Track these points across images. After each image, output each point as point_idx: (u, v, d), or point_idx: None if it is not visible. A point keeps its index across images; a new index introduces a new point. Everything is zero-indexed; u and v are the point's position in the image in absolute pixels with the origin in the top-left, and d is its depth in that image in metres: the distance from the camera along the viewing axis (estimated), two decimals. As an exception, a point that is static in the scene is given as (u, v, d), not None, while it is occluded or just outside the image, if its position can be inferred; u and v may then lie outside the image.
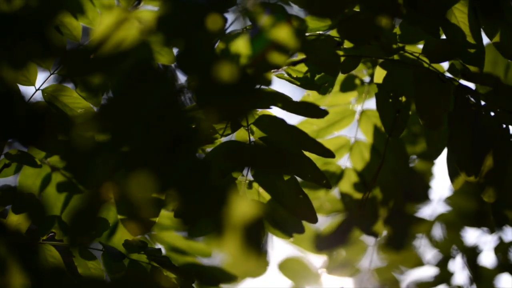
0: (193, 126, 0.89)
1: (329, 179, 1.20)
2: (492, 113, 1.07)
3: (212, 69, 0.88)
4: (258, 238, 0.88)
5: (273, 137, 1.08)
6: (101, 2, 1.02)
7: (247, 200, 0.92)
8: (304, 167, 1.09)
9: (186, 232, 1.26)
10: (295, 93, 1.44)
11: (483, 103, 1.08)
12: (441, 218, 1.69)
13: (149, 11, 1.01)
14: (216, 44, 0.98)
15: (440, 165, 1.61)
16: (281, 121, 1.08)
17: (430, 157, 1.46)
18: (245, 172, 1.11)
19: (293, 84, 1.15)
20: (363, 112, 1.38)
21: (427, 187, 1.54)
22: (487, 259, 1.75)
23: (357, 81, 1.34)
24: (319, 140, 1.13)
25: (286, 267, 1.49)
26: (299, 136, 1.08)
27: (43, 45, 0.84)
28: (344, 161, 1.41)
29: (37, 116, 0.82)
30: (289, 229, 1.18)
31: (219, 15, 0.88)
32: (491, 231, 1.70)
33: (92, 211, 0.97)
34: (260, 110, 1.09)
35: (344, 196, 1.42)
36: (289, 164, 1.10)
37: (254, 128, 1.07)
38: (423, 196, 1.54)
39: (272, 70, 1.07)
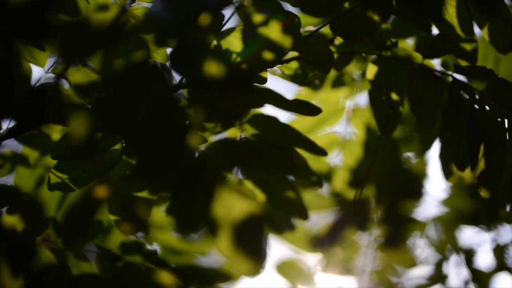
0: (188, 124, 0.89)
1: (320, 177, 1.20)
2: (487, 108, 1.07)
3: (206, 68, 0.87)
4: (255, 236, 0.88)
5: (265, 135, 1.07)
6: (97, 1, 1.02)
7: (241, 197, 0.91)
8: (295, 165, 1.09)
9: (178, 230, 1.26)
10: (286, 88, 1.44)
11: (477, 97, 1.08)
12: (436, 217, 1.70)
13: (145, 8, 1.01)
14: (211, 42, 0.98)
15: (434, 164, 1.62)
16: (274, 119, 1.08)
17: (421, 151, 1.47)
18: (235, 169, 1.10)
19: (283, 79, 1.15)
20: (353, 108, 1.38)
21: (420, 184, 1.54)
22: (484, 258, 1.76)
23: (348, 77, 1.34)
24: (310, 136, 1.13)
25: (284, 268, 1.49)
26: (292, 134, 1.08)
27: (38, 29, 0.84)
28: (334, 158, 1.41)
29: (43, 96, 0.81)
30: (279, 226, 1.18)
31: (214, 13, 0.88)
32: (488, 228, 1.71)
33: (87, 212, 0.97)
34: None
35: (335, 193, 1.42)
36: (281, 160, 1.10)
37: (247, 127, 1.07)
38: (416, 194, 1.54)
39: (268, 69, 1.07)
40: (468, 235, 1.75)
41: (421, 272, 1.72)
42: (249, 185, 1.09)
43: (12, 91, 0.80)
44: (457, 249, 1.73)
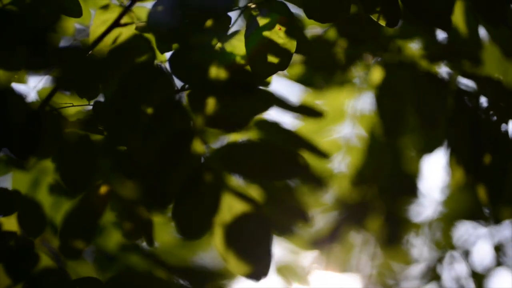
0: (191, 129, 0.88)
1: (323, 179, 1.20)
2: (491, 113, 1.08)
3: (208, 72, 0.86)
4: (261, 241, 0.87)
5: (269, 140, 1.07)
6: (96, 2, 1.00)
7: (246, 202, 0.90)
8: (299, 169, 1.08)
9: (182, 235, 1.25)
10: (290, 88, 1.42)
11: (482, 103, 1.08)
12: (436, 216, 1.70)
13: (146, 9, 0.99)
14: (215, 45, 0.96)
15: (437, 164, 1.62)
16: (277, 124, 1.07)
17: (425, 153, 1.47)
18: (239, 174, 1.10)
19: (288, 80, 1.14)
20: (358, 111, 1.37)
21: (420, 185, 1.55)
22: (483, 255, 1.77)
23: (352, 79, 1.34)
24: (314, 138, 1.13)
25: (285, 270, 1.49)
26: (295, 138, 1.08)
27: (38, 50, 0.82)
28: (338, 161, 1.41)
29: (36, 121, 0.80)
30: (282, 229, 1.18)
31: (220, 15, 0.87)
32: (487, 225, 1.72)
33: (86, 217, 0.96)
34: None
35: (337, 195, 1.42)
36: (285, 165, 1.09)
37: (250, 132, 1.06)
38: (417, 194, 1.55)
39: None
40: (467, 232, 1.76)
41: (419, 270, 1.73)
42: (253, 189, 1.08)
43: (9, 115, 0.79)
44: (456, 246, 1.74)
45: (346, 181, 1.42)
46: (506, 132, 1.07)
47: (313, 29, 1.09)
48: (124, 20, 0.94)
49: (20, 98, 0.82)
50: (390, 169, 1.40)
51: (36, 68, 0.83)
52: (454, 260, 1.77)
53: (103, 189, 0.96)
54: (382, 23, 0.92)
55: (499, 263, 1.74)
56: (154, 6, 0.88)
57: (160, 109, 0.87)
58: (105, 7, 0.97)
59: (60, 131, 0.85)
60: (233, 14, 0.94)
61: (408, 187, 1.51)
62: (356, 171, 1.40)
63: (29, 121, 0.81)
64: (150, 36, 0.92)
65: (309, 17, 0.90)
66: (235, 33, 0.98)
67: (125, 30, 0.93)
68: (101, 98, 0.96)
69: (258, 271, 0.85)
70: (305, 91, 1.31)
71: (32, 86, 1.00)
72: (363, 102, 1.36)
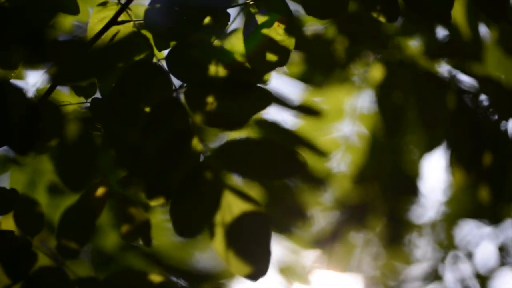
0: (190, 128, 0.87)
1: (323, 178, 1.20)
2: (491, 112, 1.07)
3: (206, 70, 0.86)
4: (260, 240, 0.86)
5: (268, 139, 1.07)
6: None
7: (245, 201, 0.90)
8: (299, 169, 1.08)
9: (180, 234, 1.25)
10: (290, 85, 1.42)
11: (482, 101, 1.08)
12: (438, 217, 1.70)
13: (144, 6, 0.99)
14: (213, 43, 0.96)
15: (438, 163, 1.62)
16: (276, 123, 1.07)
17: (425, 152, 1.46)
18: (238, 173, 1.09)
19: (288, 77, 1.14)
20: (358, 109, 1.37)
21: (421, 185, 1.55)
22: (485, 254, 1.77)
23: (352, 78, 1.33)
24: (314, 135, 1.13)
25: (286, 270, 1.49)
26: (294, 137, 1.08)
27: (35, 47, 0.82)
28: (337, 160, 1.41)
29: (36, 115, 0.79)
30: (281, 227, 1.18)
31: (220, 12, 0.86)
32: (490, 224, 1.72)
33: (84, 217, 0.95)
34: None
35: (338, 194, 1.42)
36: (284, 165, 1.09)
37: (249, 131, 1.06)
38: (418, 194, 1.55)
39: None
40: (470, 232, 1.76)
41: (422, 271, 1.73)
42: (252, 188, 1.08)
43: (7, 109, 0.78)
44: (459, 247, 1.74)
45: (346, 180, 1.42)
46: (506, 130, 1.07)
47: (313, 26, 1.09)
48: (121, 17, 0.94)
49: (19, 92, 0.81)
50: (391, 168, 1.39)
51: (33, 65, 0.83)
52: (457, 260, 1.76)
53: (101, 189, 0.96)
54: (382, 19, 0.92)
55: (503, 263, 1.74)
56: (152, 3, 0.88)
57: (158, 107, 0.87)
58: (103, 5, 0.96)
59: (59, 126, 0.85)
60: (232, 11, 0.93)
61: (408, 187, 1.50)
62: (356, 170, 1.40)
63: (29, 115, 0.80)
64: (148, 33, 0.92)
65: (309, 13, 0.90)
66: (234, 30, 0.97)
67: (123, 27, 0.93)
68: (98, 96, 0.96)
69: (257, 270, 0.85)
70: (304, 89, 1.31)
71: (31, 83, 1.00)
72: (363, 100, 1.36)
